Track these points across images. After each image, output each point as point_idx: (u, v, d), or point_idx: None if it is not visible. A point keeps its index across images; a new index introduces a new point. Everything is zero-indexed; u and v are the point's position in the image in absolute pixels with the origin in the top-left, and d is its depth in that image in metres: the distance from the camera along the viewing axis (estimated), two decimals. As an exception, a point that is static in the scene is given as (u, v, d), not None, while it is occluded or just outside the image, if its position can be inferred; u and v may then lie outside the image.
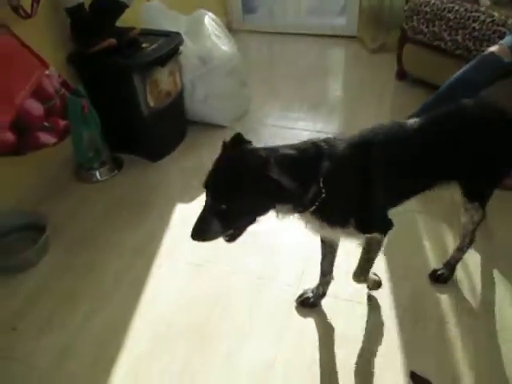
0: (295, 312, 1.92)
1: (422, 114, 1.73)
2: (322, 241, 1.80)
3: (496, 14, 2.76)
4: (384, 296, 1.95)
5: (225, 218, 1.29)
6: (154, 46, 2.65)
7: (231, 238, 1.38)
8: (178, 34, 2.81)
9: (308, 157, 1.37)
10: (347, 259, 1.89)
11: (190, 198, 2.51)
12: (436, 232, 2.25)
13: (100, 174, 2.73)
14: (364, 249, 1.68)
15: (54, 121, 2.22)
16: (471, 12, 2.87)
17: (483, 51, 2.48)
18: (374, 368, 1.70)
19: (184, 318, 1.92)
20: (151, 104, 2.65)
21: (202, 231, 1.30)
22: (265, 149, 1.34)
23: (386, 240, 1.64)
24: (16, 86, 2.12)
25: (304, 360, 1.74)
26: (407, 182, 1.62)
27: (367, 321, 1.87)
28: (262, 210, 1.34)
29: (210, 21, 3.08)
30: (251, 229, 1.38)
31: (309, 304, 1.93)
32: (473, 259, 2.07)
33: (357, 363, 1.71)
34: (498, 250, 2.12)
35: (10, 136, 2.13)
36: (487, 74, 2.30)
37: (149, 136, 2.78)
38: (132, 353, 1.80)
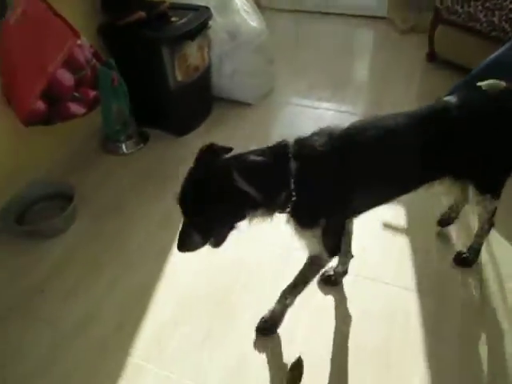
0: (317, 287, 1.93)
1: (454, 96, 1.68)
2: None
3: (535, -6, 2.67)
4: (407, 277, 1.95)
5: (202, 230, 1.35)
6: (183, 20, 2.64)
7: (215, 245, 1.42)
8: (207, 8, 2.79)
9: (275, 161, 1.36)
10: (371, 238, 1.90)
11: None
12: (461, 214, 2.23)
13: (126, 147, 2.77)
14: (304, 267, 1.64)
15: (84, 91, 2.25)
16: (509, -7, 2.77)
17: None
18: (392, 348, 1.70)
19: (207, 288, 1.96)
20: (179, 78, 2.65)
21: (184, 244, 1.37)
22: (233, 158, 1.35)
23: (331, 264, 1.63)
24: (48, 55, 2.15)
25: (322, 336, 1.76)
26: (390, 183, 1.55)
27: (388, 301, 1.87)
28: (236, 219, 1.37)
29: (239, -4, 3.05)
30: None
31: (331, 282, 1.94)
32: (498, 242, 2.05)
33: (376, 343, 1.72)
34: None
35: (40, 105, 2.17)
36: (524, 56, 2.23)
37: (175, 111, 2.79)
38: (155, 320, 1.85)
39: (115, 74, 2.30)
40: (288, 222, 1.49)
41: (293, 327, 1.78)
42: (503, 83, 1.67)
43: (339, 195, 1.44)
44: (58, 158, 2.56)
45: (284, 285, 1.79)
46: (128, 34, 2.59)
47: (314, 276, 1.65)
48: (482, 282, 1.91)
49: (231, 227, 1.39)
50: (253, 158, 1.35)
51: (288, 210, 1.41)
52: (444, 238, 2.12)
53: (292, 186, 1.36)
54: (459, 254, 1.98)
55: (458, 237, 2.11)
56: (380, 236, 2.07)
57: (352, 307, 1.85)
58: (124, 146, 2.76)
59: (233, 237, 2.06)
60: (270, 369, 1.67)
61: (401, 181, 1.59)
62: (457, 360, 1.65)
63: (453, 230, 2.14)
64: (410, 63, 3.63)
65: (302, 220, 1.46)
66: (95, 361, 1.73)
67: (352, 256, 1.92)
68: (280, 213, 1.43)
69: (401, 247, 2.06)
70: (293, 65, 3.78)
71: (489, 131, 1.59)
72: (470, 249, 1.97)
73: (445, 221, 2.14)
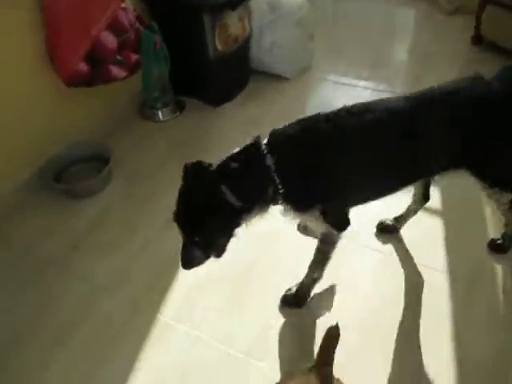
0: (345, 261, 1.93)
1: (499, 79, 1.62)
2: None
3: None
4: (440, 259, 1.92)
5: (202, 245, 1.39)
6: (225, -11, 2.61)
7: (217, 256, 1.46)
8: (249, -22, 2.75)
9: (252, 162, 1.38)
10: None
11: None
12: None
13: (162, 114, 2.79)
14: (318, 245, 1.66)
15: (127, 55, 2.26)
16: None
17: None
18: (419, 329, 1.70)
19: (237, 256, 1.95)
20: (219, 48, 2.64)
21: (188, 262, 1.43)
22: (217, 169, 1.37)
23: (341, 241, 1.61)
24: (93, 17, 2.16)
25: (347, 312, 1.76)
26: (379, 174, 1.52)
27: (418, 281, 1.86)
28: (232, 228, 1.41)
29: (280, -32, 2.99)
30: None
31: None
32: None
33: (402, 322, 1.72)
34: None
35: (83, 67, 2.20)
36: None
37: (213, 80, 2.79)
38: (186, 283, 1.89)
39: (158, 37, 2.30)
40: (285, 210, 1.51)
41: (316, 303, 1.80)
42: None
43: (325, 181, 1.44)
44: (97, 121, 2.60)
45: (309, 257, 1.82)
46: (170, 0, 2.58)
47: (331, 251, 1.65)
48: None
49: (229, 236, 1.43)
50: (233, 165, 1.37)
51: (280, 201, 1.44)
52: (480, 223, 2.08)
53: (276, 180, 1.38)
54: (493, 240, 1.94)
55: (494, 222, 2.06)
56: (414, 217, 2.04)
57: (380, 285, 1.85)
58: (160, 113, 2.78)
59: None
60: (294, 339, 1.70)
61: (393, 170, 1.54)
62: (484, 346, 1.64)
63: (489, 215, 2.10)
64: (453, 46, 3.50)
65: (297, 205, 1.48)
66: (126, 318, 1.79)
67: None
68: (274, 205, 1.46)
69: (435, 229, 2.04)
70: (331, 41, 3.70)
71: (490, 121, 1.52)
72: (503, 235, 1.93)
73: None
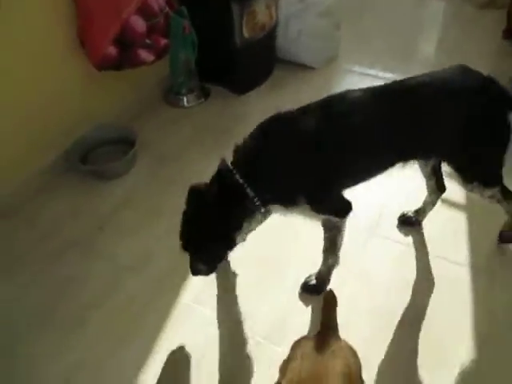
0: (365, 252, 1.94)
1: None
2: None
3: None
4: (462, 252, 1.92)
5: (204, 259, 1.57)
6: (254, -24, 2.61)
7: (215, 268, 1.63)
8: (278, -35, 2.74)
9: (225, 181, 1.47)
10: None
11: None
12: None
13: (187, 100, 2.81)
14: (324, 232, 1.67)
15: (156, 39, 2.28)
16: None
17: None
18: (437, 322, 1.69)
19: (256, 245, 1.98)
20: (246, 35, 2.64)
21: (195, 272, 1.62)
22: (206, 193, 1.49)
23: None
24: (123, 0, 2.18)
25: (365, 301, 1.77)
26: (358, 160, 1.52)
27: (438, 274, 1.85)
28: (227, 246, 1.56)
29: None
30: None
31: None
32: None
33: (421, 314, 1.72)
34: None
35: (112, 50, 2.22)
36: None
37: (239, 68, 2.79)
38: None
39: (187, 22, 2.31)
40: (276, 209, 1.57)
41: (337, 289, 1.80)
42: None
43: (300, 177, 1.47)
44: (123, 105, 2.63)
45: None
46: (200, -15, 2.59)
47: (338, 236, 1.66)
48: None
49: (226, 252, 1.59)
50: (213, 190, 1.49)
51: (264, 210, 1.51)
52: (502, 217, 2.04)
53: (250, 194, 1.45)
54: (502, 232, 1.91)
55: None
56: (437, 210, 2.03)
57: (400, 277, 1.85)
58: (185, 99, 2.81)
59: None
60: (313, 326, 1.70)
61: (370, 156, 1.53)
62: (504, 341, 1.63)
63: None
64: (483, 39, 3.44)
65: (284, 203, 1.53)
66: (147, 299, 1.82)
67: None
68: (263, 212, 1.53)
69: (458, 222, 2.03)
70: (359, 32, 3.67)
71: (460, 114, 1.49)
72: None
73: None
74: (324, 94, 1.59)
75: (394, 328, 1.68)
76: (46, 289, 1.86)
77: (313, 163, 1.47)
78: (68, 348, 1.67)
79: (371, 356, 1.57)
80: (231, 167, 1.48)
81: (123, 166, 2.34)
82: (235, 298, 1.81)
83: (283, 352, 1.60)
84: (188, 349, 1.65)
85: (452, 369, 1.55)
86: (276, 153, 1.46)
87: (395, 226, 2.03)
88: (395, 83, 1.54)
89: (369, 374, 1.34)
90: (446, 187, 1.92)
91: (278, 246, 1.99)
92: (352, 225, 1.85)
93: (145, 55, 2.28)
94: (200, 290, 1.83)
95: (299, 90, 2.88)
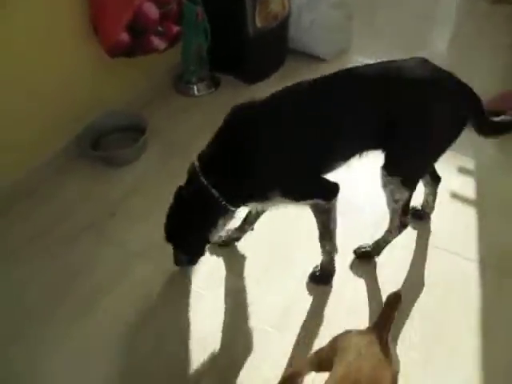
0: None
1: None
2: None
3: None
4: (472, 248, 1.91)
5: (185, 251, 1.71)
6: (267, -36, 2.59)
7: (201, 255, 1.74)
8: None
9: (195, 184, 1.54)
10: (438, 206, 1.85)
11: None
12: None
13: (197, 90, 2.81)
14: (314, 216, 1.68)
15: (168, 26, 2.27)
16: None
17: None
18: (447, 318, 1.69)
19: (264, 234, 1.99)
20: (258, 25, 2.63)
21: (178, 263, 1.76)
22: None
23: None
24: (137, -13, 2.17)
25: (376, 297, 1.77)
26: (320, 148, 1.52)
27: (449, 270, 1.85)
28: (204, 241, 1.65)
29: None
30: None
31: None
32: None
33: (431, 310, 1.72)
34: None
35: (125, 36, 2.21)
36: None
37: (250, 57, 2.78)
38: (214, 257, 1.93)
39: (200, 9, 2.30)
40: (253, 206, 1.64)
41: (346, 283, 1.82)
42: None
43: (265, 170, 1.49)
44: (134, 92, 2.63)
45: (344, 238, 1.83)
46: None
47: (329, 220, 1.65)
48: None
49: (204, 246, 1.69)
50: (187, 190, 1.59)
51: (234, 209, 1.57)
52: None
53: (216, 194, 1.51)
54: None
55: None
56: (448, 205, 2.03)
57: (411, 272, 1.85)
58: (196, 88, 2.80)
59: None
60: (319, 315, 1.72)
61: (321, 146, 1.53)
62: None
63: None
64: (496, 35, 3.40)
65: (256, 200, 1.58)
66: (156, 284, 1.85)
67: (252, 229, 1.95)
68: (233, 209, 1.58)
69: (468, 218, 2.02)
70: (370, 24, 3.64)
71: (408, 104, 1.46)
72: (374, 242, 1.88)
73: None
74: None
75: (404, 324, 1.68)
76: (56, 272, 1.88)
77: (276, 156, 1.48)
78: (77, 331, 1.68)
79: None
80: (198, 169, 1.54)
81: (134, 153, 2.35)
82: (243, 285, 1.82)
83: (290, 340, 1.63)
84: (196, 335, 1.67)
85: (461, 364, 1.56)
86: (237, 152, 1.48)
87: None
88: (353, 69, 1.55)
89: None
90: (441, 177, 1.89)
91: (288, 234, 2.00)
92: (359, 220, 1.86)
93: (157, 42, 2.27)
94: (208, 276, 1.85)
95: (310, 81, 2.86)
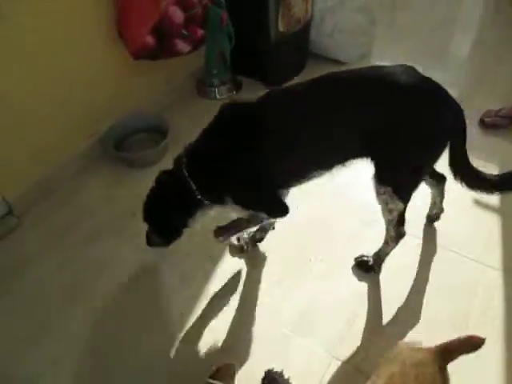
0: (393, 254, 1.92)
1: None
2: None
3: None
4: (494, 255, 1.88)
5: (160, 234, 1.73)
6: (291, -31, 2.60)
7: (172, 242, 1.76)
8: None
9: (177, 175, 1.60)
10: (461, 212, 1.82)
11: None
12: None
13: (219, 92, 2.83)
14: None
15: (193, 30, 2.29)
16: None
17: None
18: (469, 325, 1.67)
19: (282, 239, 2.00)
20: (281, 29, 2.63)
21: (149, 243, 1.78)
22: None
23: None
24: (163, -9, 2.20)
25: (396, 302, 1.76)
26: (290, 161, 1.53)
27: (471, 277, 1.82)
28: (180, 226, 1.69)
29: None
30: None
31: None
32: None
33: (452, 317, 1.70)
34: None
35: (150, 39, 2.24)
36: None
37: (272, 61, 2.79)
38: (233, 259, 1.94)
39: (225, 13, 2.31)
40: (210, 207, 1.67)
41: (365, 286, 1.81)
42: None
43: (224, 175, 1.54)
44: (156, 94, 2.66)
45: (358, 244, 1.88)
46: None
47: (255, 224, 1.75)
48: None
49: (179, 232, 1.72)
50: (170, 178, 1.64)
51: (207, 203, 1.61)
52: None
53: (193, 187, 1.57)
54: None
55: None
56: (470, 211, 2.00)
57: (432, 278, 1.83)
58: (217, 91, 2.82)
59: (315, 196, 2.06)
60: (335, 317, 1.72)
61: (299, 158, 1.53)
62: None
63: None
64: (520, 41, 3.36)
65: (213, 200, 1.63)
66: (177, 285, 1.86)
67: (273, 227, 1.96)
68: (211, 206, 1.64)
69: (490, 225, 2.00)
70: (392, 29, 3.63)
71: (394, 112, 1.41)
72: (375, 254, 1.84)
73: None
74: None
75: (422, 330, 1.66)
76: (77, 271, 1.91)
77: (239, 164, 1.50)
78: (93, 329, 1.71)
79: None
80: (182, 159, 1.59)
81: (156, 154, 2.37)
82: (263, 288, 1.82)
83: (309, 344, 1.62)
84: (215, 338, 1.67)
85: (485, 375, 1.53)
86: (209, 151, 1.56)
87: (421, 225, 2.01)
88: (337, 75, 1.51)
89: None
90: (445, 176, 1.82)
91: (308, 237, 2.00)
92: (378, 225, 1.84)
93: (181, 46, 2.30)
94: (227, 278, 1.86)
95: (331, 86, 2.85)
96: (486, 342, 1.46)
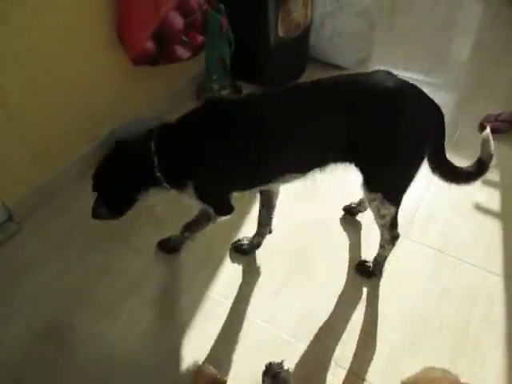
0: (394, 259, 1.92)
1: None
2: (261, 192, 1.83)
3: None
4: (496, 261, 1.88)
5: (108, 205, 1.65)
6: (291, -26, 2.60)
7: (117, 217, 1.70)
8: (315, -36, 2.73)
9: (142, 146, 1.57)
10: (462, 217, 1.82)
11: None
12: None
13: (219, 97, 2.82)
14: (197, 216, 1.81)
15: (193, 36, 2.29)
16: None
17: None
18: (470, 331, 1.67)
19: (282, 244, 2.00)
20: (280, 34, 2.64)
21: (93, 215, 1.68)
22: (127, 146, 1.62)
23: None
24: (163, -4, 2.20)
25: (398, 308, 1.75)
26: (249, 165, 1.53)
27: (472, 282, 1.82)
28: (131, 200, 1.66)
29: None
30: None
31: (241, 250, 1.98)
32: None
33: (453, 323, 1.69)
34: None
35: (150, 45, 2.24)
36: None
37: (271, 66, 2.79)
38: (235, 264, 1.94)
39: (224, 19, 2.32)
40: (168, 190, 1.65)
41: (365, 292, 1.80)
42: None
43: (197, 161, 1.53)
44: (157, 99, 2.66)
45: (358, 247, 1.91)
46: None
47: (204, 224, 1.80)
48: None
49: (128, 206, 1.68)
50: (135, 148, 1.60)
51: (165, 184, 1.60)
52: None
53: (155, 163, 1.55)
54: None
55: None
56: (471, 217, 2.00)
57: (433, 283, 1.83)
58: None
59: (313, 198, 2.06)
60: (338, 326, 1.71)
61: (275, 156, 1.52)
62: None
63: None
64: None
65: (172, 182, 1.61)
66: (177, 290, 1.86)
67: (270, 231, 1.96)
68: (168, 188, 1.62)
69: (492, 231, 1.99)
70: (391, 33, 3.64)
71: (374, 116, 1.41)
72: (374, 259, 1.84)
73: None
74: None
75: (422, 336, 1.66)
76: (78, 277, 1.90)
77: (212, 155, 1.51)
78: (99, 334, 1.70)
79: (400, 364, 1.56)
80: (153, 134, 1.58)
81: (155, 159, 2.36)
82: (262, 295, 1.82)
83: (309, 350, 1.62)
84: (214, 342, 1.67)
85: (486, 381, 1.53)
86: (184, 135, 1.54)
87: (426, 231, 2.01)
88: (318, 81, 1.50)
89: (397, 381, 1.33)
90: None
91: (306, 243, 1.99)
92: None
93: (181, 51, 2.30)
94: (228, 285, 1.85)
95: (331, 90, 2.86)
96: (488, 347, 1.46)
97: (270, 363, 1.45)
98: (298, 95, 1.49)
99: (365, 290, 1.81)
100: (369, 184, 1.53)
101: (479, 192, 2.15)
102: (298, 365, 1.59)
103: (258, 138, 1.48)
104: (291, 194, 2.20)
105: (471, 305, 1.74)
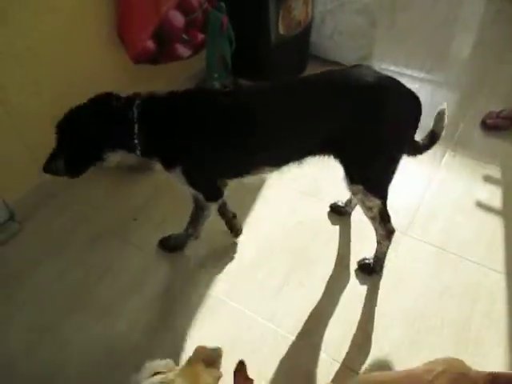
0: (397, 253, 1.91)
1: None
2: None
3: None
4: (497, 259, 1.88)
5: (67, 160, 1.55)
6: (291, -29, 2.59)
7: (71, 175, 1.62)
8: (316, -38, 2.72)
9: (122, 108, 1.51)
10: (463, 215, 1.82)
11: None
12: None
13: (220, 96, 2.82)
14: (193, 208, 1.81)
15: (193, 34, 2.29)
16: None
17: None
18: (472, 328, 1.67)
19: (284, 242, 2.01)
20: (281, 31, 2.63)
21: (48, 168, 1.59)
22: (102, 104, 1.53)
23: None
24: (163, -5, 2.20)
25: (399, 306, 1.75)
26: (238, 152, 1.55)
27: (473, 280, 1.82)
28: (94, 158, 1.57)
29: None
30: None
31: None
32: None
33: (455, 320, 1.69)
34: None
35: (150, 44, 2.24)
36: None
37: (272, 64, 2.78)
38: (237, 262, 1.94)
39: (225, 18, 2.31)
40: (157, 165, 1.62)
41: (366, 289, 1.80)
42: None
43: (184, 142, 1.52)
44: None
45: (358, 245, 1.90)
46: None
47: (201, 215, 1.80)
48: None
49: (89, 164, 1.58)
50: (114, 107, 1.51)
51: (138, 152, 1.55)
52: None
53: (135, 130, 1.49)
54: None
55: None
56: (472, 214, 2.00)
57: (434, 280, 1.82)
58: (218, 95, 2.81)
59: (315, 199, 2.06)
60: (338, 324, 1.71)
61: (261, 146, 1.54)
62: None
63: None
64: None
65: (163, 161, 1.59)
66: (179, 288, 1.86)
67: (234, 216, 1.99)
68: (139, 155, 1.57)
69: (493, 228, 1.99)
70: (392, 30, 3.62)
71: (355, 110, 1.43)
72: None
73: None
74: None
75: (426, 333, 1.66)
76: (79, 275, 1.91)
77: (206, 142, 1.52)
78: (98, 334, 1.70)
79: (401, 361, 1.56)
80: (139, 99, 1.51)
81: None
82: (263, 293, 1.82)
83: (310, 348, 1.62)
84: (215, 340, 1.66)
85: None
86: (177, 113, 1.51)
87: (427, 229, 2.01)
88: (301, 78, 1.58)
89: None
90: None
91: (307, 241, 1.99)
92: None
93: (182, 50, 2.29)
94: (230, 285, 1.85)
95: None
96: (490, 345, 1.46)
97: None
98: (283, 90, 1.52)
99: (366, 287, 1.81)
100: (350, 176, 1.56)
101: (480, 189, 2.15)
102: (298, 362, 1.59)
103: (240, 128, 1.50)
104: (293, 192, 2.21)
105: (473, 302, 1.74)
